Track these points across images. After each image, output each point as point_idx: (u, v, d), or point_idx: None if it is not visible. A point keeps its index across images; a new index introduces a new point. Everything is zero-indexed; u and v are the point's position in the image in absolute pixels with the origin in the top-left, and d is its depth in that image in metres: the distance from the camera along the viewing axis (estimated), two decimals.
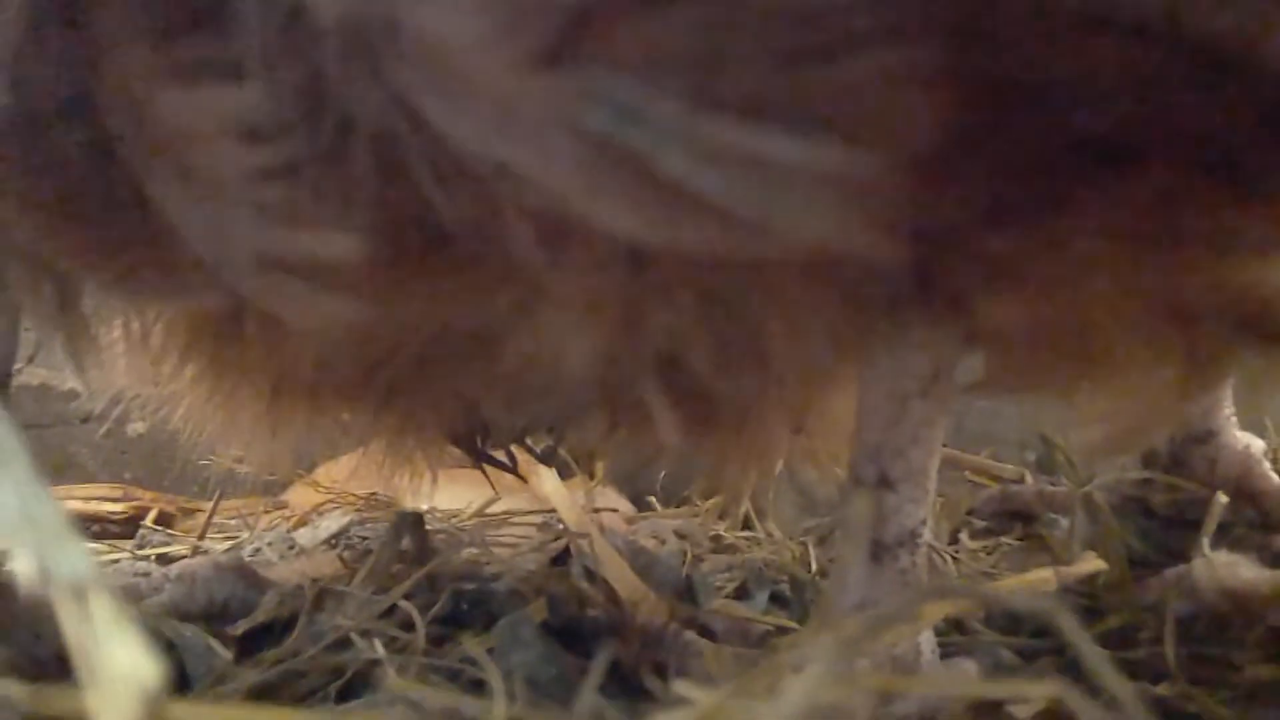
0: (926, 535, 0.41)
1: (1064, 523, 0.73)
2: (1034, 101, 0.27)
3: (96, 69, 0.32)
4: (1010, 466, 0.92)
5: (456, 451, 0.63)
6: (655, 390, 0.46)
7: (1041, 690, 0.22)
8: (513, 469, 0.69)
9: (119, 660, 0.17)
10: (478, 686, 0.47)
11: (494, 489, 0.97)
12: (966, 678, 0.39)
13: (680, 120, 0.24)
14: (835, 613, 0.40)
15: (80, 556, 0.18)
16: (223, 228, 0.32)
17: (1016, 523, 0.83)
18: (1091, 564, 0.56)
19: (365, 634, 0.52)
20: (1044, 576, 0.52)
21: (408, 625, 0.54)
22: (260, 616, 0.58)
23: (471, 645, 0.50)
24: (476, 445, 0.63)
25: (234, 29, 0.29)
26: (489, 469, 0.70)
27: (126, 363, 0.52)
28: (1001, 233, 0.32)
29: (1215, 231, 0.33)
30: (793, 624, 0.64)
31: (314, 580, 0.63)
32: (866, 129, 0.25)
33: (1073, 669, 0.50)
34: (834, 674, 0.23)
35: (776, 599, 0.74)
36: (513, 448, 0.74)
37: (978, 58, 0.25)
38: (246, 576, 0.62)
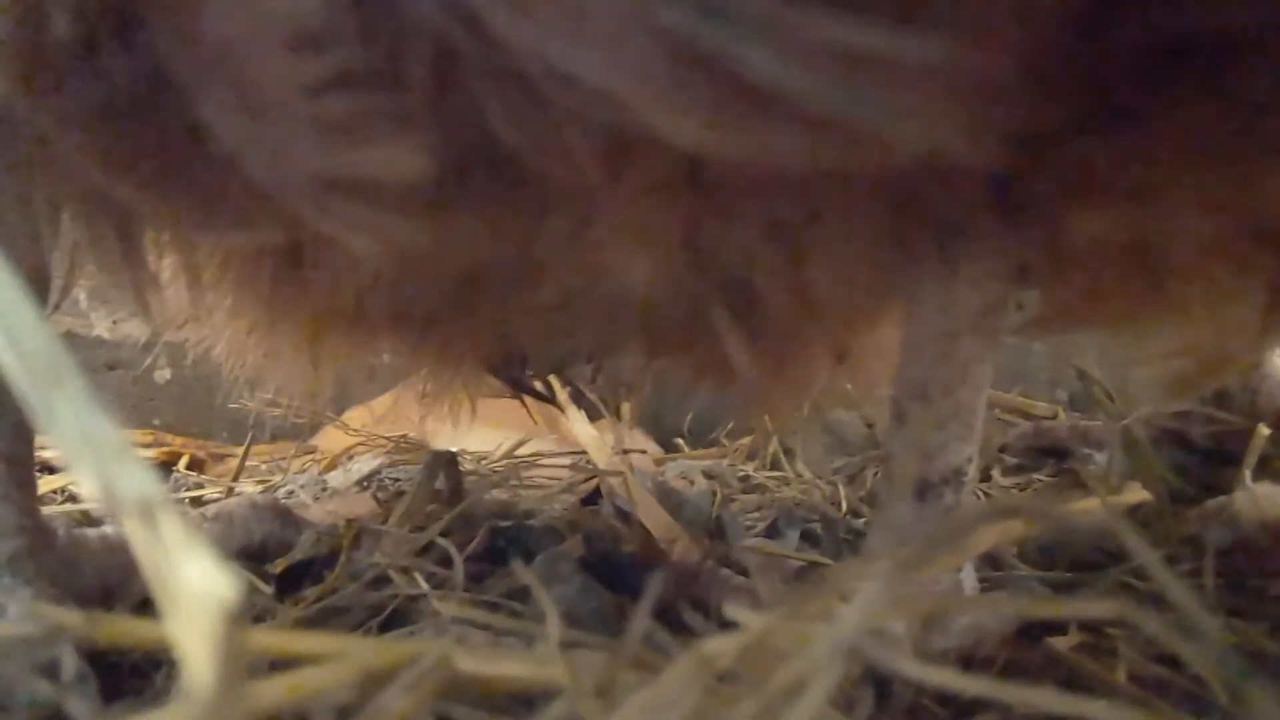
0: (971, 473, 0.40)
1: (1098, 458, 0.73)
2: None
3: None
4: (1043, 404, 0.92)
5: (495, 382, 0.63)
6: (719, 314, 0.46)
7: (1103, 609, 0.22)
8: (550, 399, 0.69)
9: (193, 578, 0.17)
10: (516, 619, 0.47)
11: (525, 428, 0.97)
12: (1022, 601, 0.39)
13: (768, 13, 0.23)
14: (880, 548, 0.39)
15: (145, 476, 0.18)
16: (279, 148, 0.31)
17: (1049, 459, 0.83)
18: (1137, 494, 0.55)
19: (404, 571, 0.53)
20: (1089, 506, 0.51)
21: (445, 562, 0.54)
22: (298, 555, 0.58)
23: (511, 580, 0.50)
24: (514, 375, 0.63)
25: None
26: (527, 401, 0.70)
27: (175, 298, 0.51)
28: (1097, 138, 0.31)
29: None
30: (825, 561, 0.64)
31: (349, 520, 0.63)
32: (975, 22, 0.23)
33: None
34: (890, 598, 0.23)
35: (807, 537, 0.74)
36: (551, 380, 0.74)
37: None
38: (283, 516, 0.63)
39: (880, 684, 0.34)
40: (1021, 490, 0.79)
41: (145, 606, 0.39)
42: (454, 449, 0.82)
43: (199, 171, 0.34)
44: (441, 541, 0.56)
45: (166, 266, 0.49)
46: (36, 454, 0.47)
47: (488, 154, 0.31)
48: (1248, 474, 0.58)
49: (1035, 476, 0.81)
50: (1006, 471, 0.84)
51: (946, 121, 0.25)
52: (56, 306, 0.50)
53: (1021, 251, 0.39)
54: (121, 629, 0.26)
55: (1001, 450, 0.86)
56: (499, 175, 0.33)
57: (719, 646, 0.24)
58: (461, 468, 0.76)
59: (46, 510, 0.53)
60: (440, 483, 0.70)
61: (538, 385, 0.68)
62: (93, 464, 0.18)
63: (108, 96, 0.33)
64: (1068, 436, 0.80)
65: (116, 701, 0.39)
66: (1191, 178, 0.32)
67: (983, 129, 0.26)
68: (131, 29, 0.31)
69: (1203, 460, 0.66)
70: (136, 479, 0.18)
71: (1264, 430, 0.61)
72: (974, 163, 0.28)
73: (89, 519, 0.62)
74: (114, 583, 0.47)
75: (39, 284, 0.46)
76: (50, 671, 0.33)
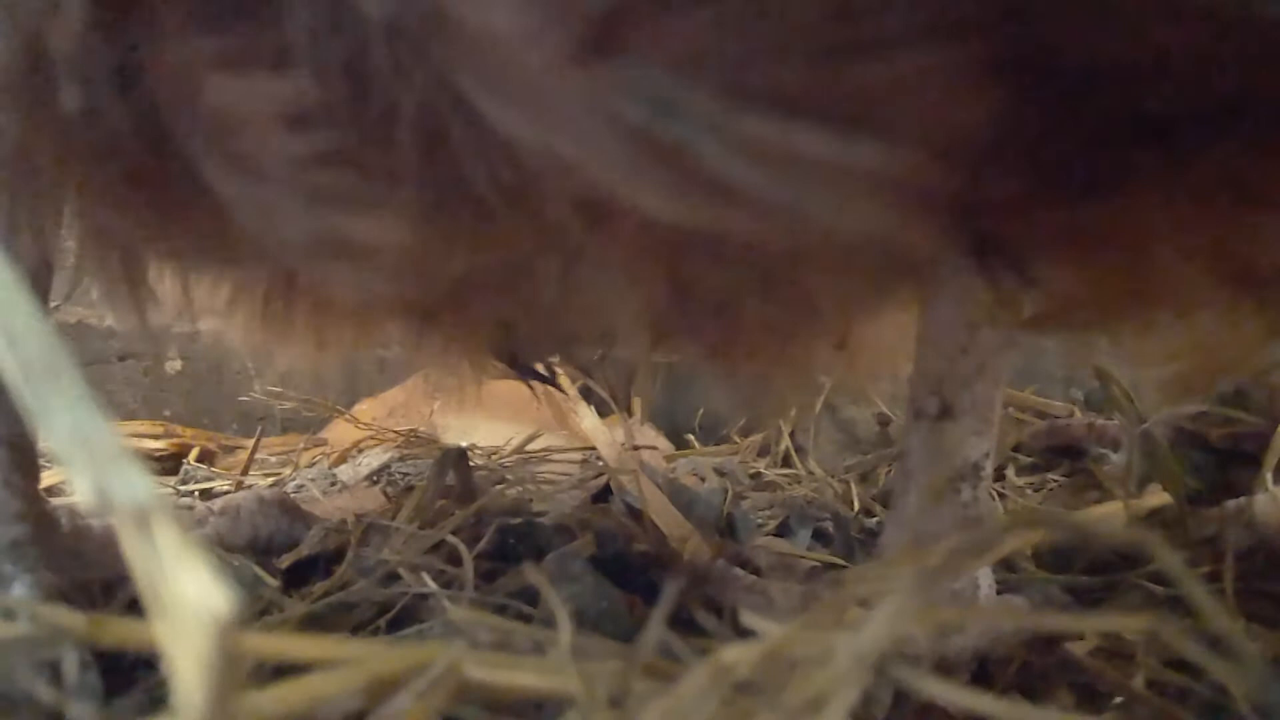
0: (989, 468, 0.40)
1: (1114, 458, 0.72)
2: (1087, 88, 0.26)
3: (149, 55, 0.33)
4: (1058, 403, 0.91)
5: (500, 365, 0.63)
6: (703, 327, 0.46)
7: (1133, 623, 0.21)
8: (553, 381, 0.69)
9: (186, 588, 0.16)
10: (526, 621, 0.46)
11: (535, 423, 0.97)
12: (1047, 615, 0.38)
13: (715, 114, 0.24)
14: (895, 546, 0.39)
15: (140, 481, 0.17)
16: (272, 211, 0.33)
17: (1064, 459, 0.82)
18: (1158, 497, 0.54)
19: (413, 569, 0.52)
20: (1112, 511, 0.51)
21: (455, 560, 0.54)
22: (305, 550, 0.58)
23: (521, 579, 0.49)
24: (518, 359, 0.63)
25: (282, 17, 0.29)
26: (537, 391, 0.70)
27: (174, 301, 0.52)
28: (1055, 209, 0.31)
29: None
30: (838, 560, 0.63)
31: (358, 516, 0.62)
32: (907, 127, 0.25)
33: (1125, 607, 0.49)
34: (914, 606, 0.22)
35: (819, 536, 0.73)
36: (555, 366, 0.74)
37: (1028, 50, 0.25)
38: (290, 511, 0.62)
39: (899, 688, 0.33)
40: (1036, 490, 0.78)
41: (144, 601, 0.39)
42: (464, 444, 0.81)
43: (197, 215, 0.36)
44: (451, 539, 0.55)
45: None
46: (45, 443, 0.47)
47: (474, 212, 0.33)
48: (1269, 476, 0.57)
49: (1050, 476, 0.81)
50: (1021, 471, 0.84)
51: (885, 213, 0.26)
52: (68, 297, 0.50)
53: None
54: (124, 631, 0.25)
55: (1016, 449, 0.85)
56: (486, 227, 0.35)
57: (736, 655, 0.24)
58: (471, 463, 0.76)
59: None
60: (450, 479, 0.69)
61: (540, 369, 0.68)
62: (88, 467, 0.18)
63: (111, 143, 0.34)
64: (1084, 435, 0.79)
65: (119, 697, 0.39)
66: (1163, 234, 0.32)
67: (925, 218, 0.27)
68: (137, 91, 0.33)
69: (1220, 461, 0.65)
70: (132, 483, 0.17)
71: None
72: (922, 247, 0.29)
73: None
74: (116, 574, 0.47)
75: (42, 275, 0.46)
76: (53, 672, 0.32)
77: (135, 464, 0.18)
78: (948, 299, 0.39)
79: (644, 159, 0.25)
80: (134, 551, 0.17)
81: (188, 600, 0.16)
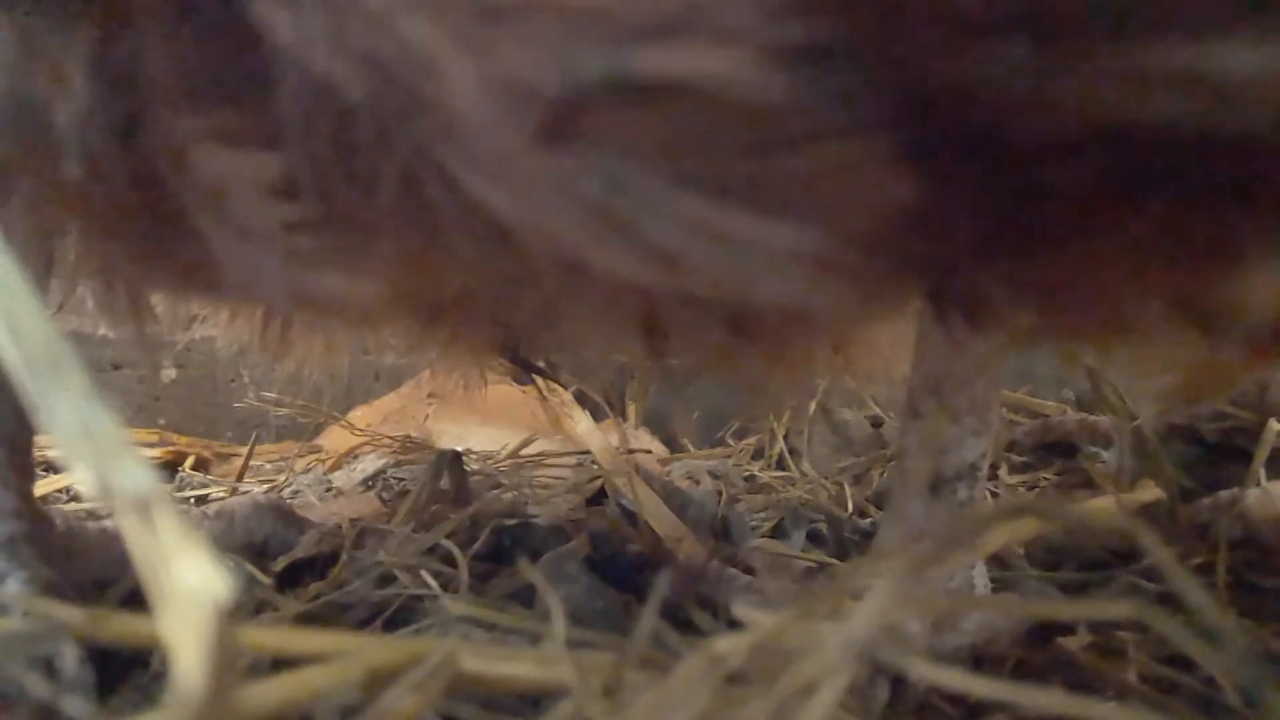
0: (985, 469, 0.40)
1: (1106, 455, 0.72)
2: (1002, 165, 0.28)
3: (147, 124, 0.35)
4: (1050, 404, 0.91)
5: (501, 361, 0.64)
6: (686, 348, 0.48)
7: (1118, 610, 0.21)
8: (553, 376, 0.69)
9: (186, 577, 0.16)
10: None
11: (530, 428, 0.97)
12: (1035, 602, 0.38)
13: (660, 195, 0.26)
14: (893, 545, 0.39)
15: (143, 473, 0.18)
16: (257, 268, 0.35)
17: (1056, 457, 0.82)
18: (1150, 492, 0.55)
19: (408, 570, 0.52)
20: (1103, 505, 0.51)
21: (450, 562, 0.54)
22: (300, 553, 0.58)
23: (516, 580, 0.50)
24: (518, 356, 0.64)
25: (271, 96, 0.31)
26: (532, 398, 0.71)
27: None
28: (993, 269, 0.33)
29: (1221, 250, 0.32)
30: (832, 561, 0.63)
31: (353, 520, 0.62)
32: (826, 211, 0.27)
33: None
34: (901, 597, 0.22)
35: (813, 538, 0.73)
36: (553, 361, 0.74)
37: (935, 143, 0.27)
38: (285, 515, 0.62)
39: (896, 679, 0.34)
40: (1030, 489, 0.78)
41: (137, 599, 0.40)
42: (459, 449, 0.81)
43: (191, 256, 0.38)
44: (446, 542, 0.55)
45: None
46: (41, 453, 0.47)
47: (456, 264, 0.36)
48: (1262, 472, 0.57)
49: (1043, 475, 0.81)
50: (1014, 469, 0.84)
51: (819, 288, 0.28)
52: (62, 306, 0.50)
53: None
54: (122, 626, 0.26)
55: (1010, 447, 0.85)
56: (466, 277, 0.38)
57: (728, 646, 0.24)
58: (466, 468, 0.76)
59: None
60: (445, 483, 0.70)
61: (540, 365, 0.69)
62: (91, 459, 0.18)
63: (109, 192, 0.37)
64: (1077, 431, 0.80)
65: (114, 691, 0.39)
66: (1115, 281, 0.33)
67: (859, 290, 0.30)
68: (135, 150, 0.35)
69: (1212, 456, 0.65)
70: (134, 475, 0.18)
71: (1275, 425, 0.60)
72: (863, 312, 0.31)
73: (93, 519, 0.62)
74: (110, 574, 0.47)
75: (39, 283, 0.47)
76: (49, 668, 0.33)
77: (137, 456, 0.18)
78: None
79: (602, 229, 0.28)
80: (135, 541, 0.17)
81: (188, 588, 0.16)
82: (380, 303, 0.37)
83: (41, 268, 0.47)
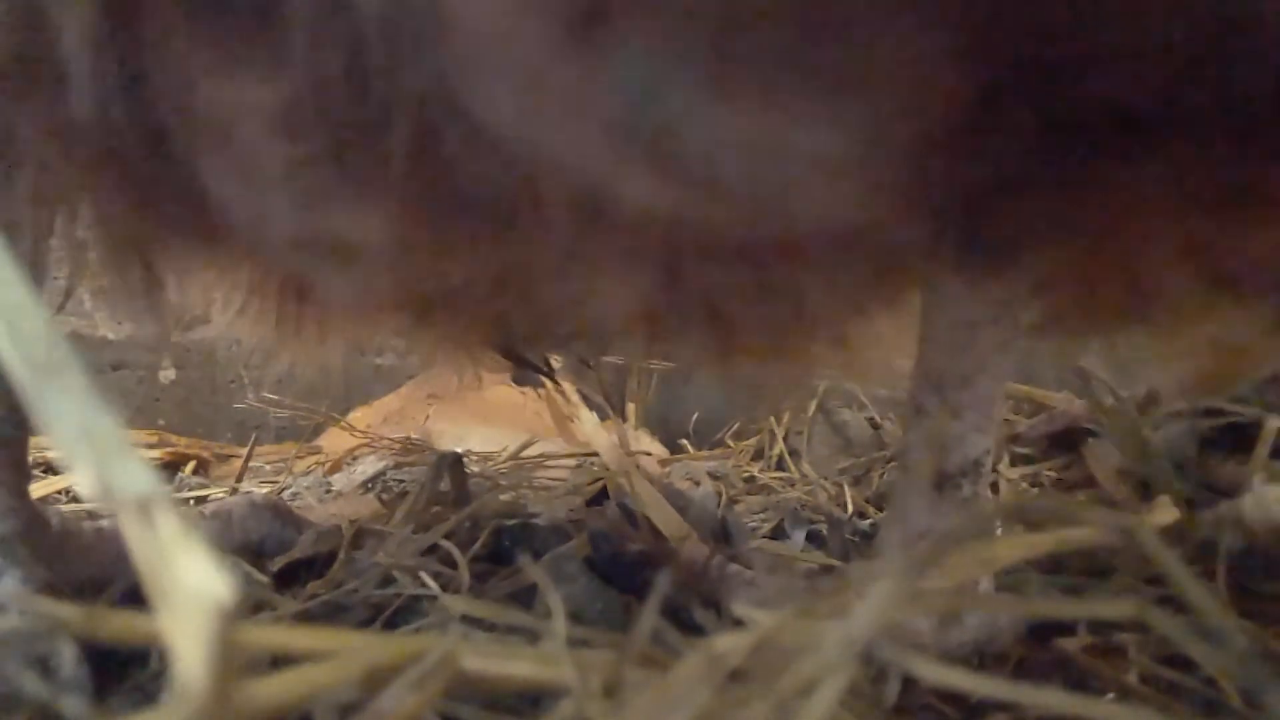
0: (989, 465, 0.40)
1: (1109, 447, 0.71)
2: (1059, 75, 0.27)
3: (148, 62, 0.33)
4: (1056, 394, 0.91)
5: (497, 357, 0.63)
6: (698, 326, 0.46)
7: (1119, 610, 0.21)
8: (551, 375, 0.69)
9: (188, 578, 0.16)
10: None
11: (529, 429, 0.97)
12: (1035, 601, 0.38)
13: (698, 100, 0.25)
14: (895, 543, 0.39)
15: (143, 473, 0.18)
16: (263, 211, 0.34)
17: (1060, 450, 0.82)
18: (1167, 513, 0.54)
19: (407, 571, 0.52)
20: (1105, 512, 0.51)
21: (449, 563, 0.54)
22: (297, 554, 0.58)
23: (517, 581, 0.50)
24: (515, 352, 0.63)
25: (279, 23, 0.30)
26: (535, 399, 0.71)
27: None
28: (1032, 197, 0.32)
29: (1252, 197, 0.32)
30: (832, 562, 0.63)
31: (351, 520, 0.62)
32: (883, 109, 0.25)
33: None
34: (903, 594, 0.22)
35: (813, 538, 0.73)
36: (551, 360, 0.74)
37: (1001, 36, 0.25)
38: (282, 515, 0.62)
39: (905, 679, 0.34)
40: (1033, 485, 0.78)
41: (133, 599, 0.39)
42: (459, 450, 0.81)
43: (195, 216, 0.37)
44: (444, 543, 0.55)
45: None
46: (41, 454, 0.47)
47: (464, 209, 0.33)
48: (1256, 479, 0.57)
49: (1045, 469, 0.81)
50: (1015, 461, 0.83)
51: (864, 199, 0.27)
52: (60, 308, 0.50)
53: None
54: (121, 624, 0.26)
55: (1014, 439, 0.85)
56: (478, 229, 0.36)
57: (729, 644, 0.24)
58: (467, 469, 0.76)
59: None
60: (445, 485, 0.69)
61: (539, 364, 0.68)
62: (91, 459, 0.18)
63: (115, 144, 0.35)
64: (1082, 415, 0.79)
65: (111, 689, 0.39)
66: (1140, 227, 0.33)
67: (904, 202, 0.28)
68: (139, 96, 0.34)
69: (1213, 451, 0.65)
70: (134, 475, 0.18)
71: (1273, 421, 0.60)
72: (902, 232, 0.30)
73: (91, 519, 0.62)
74: (106, 574, 0.47)
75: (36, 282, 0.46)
76: (45, 666, 0.33)
77: (137, 457, 0.18)
78: (948, 296, 0.39)
79: (629, 148, 0.26)
80: (136, 541, 0.17)
81: (189, 588, 0.16)
82: (388, 251, 0.35)
83: (43, 242, 0.46)
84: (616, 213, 0.31)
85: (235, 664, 0.17)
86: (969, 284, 0.39)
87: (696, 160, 0.26)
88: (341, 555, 0.56)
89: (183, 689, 0.17)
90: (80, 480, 0.18)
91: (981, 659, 0.41)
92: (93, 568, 0.47)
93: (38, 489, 0.79)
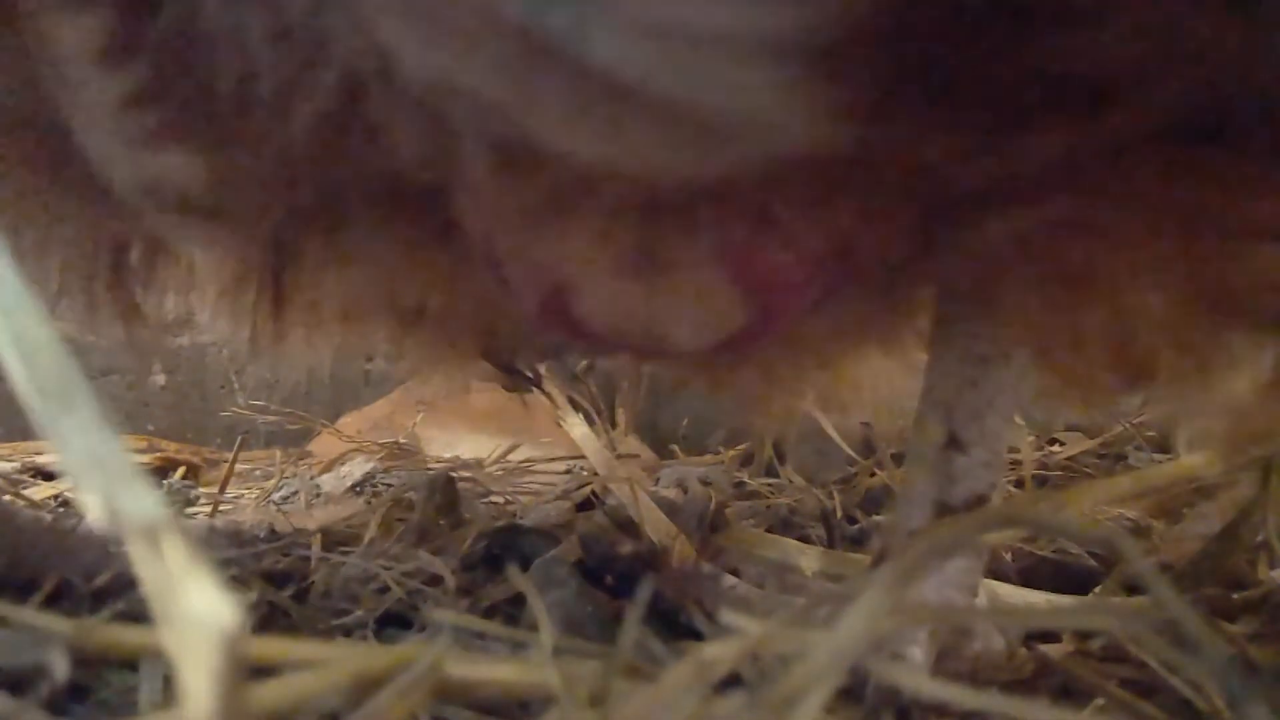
0: (996, 501, 0.39)
1: None
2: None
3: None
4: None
5: (486, 365, 0.63)
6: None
7: (1103, 621, 0.22)
8: (539, 384, 0.69)
9: (195, 601, 0.16)
10: (512, 625, 0.47)
11: (517, 434, 0.97)
12: (1020, 609, 0.39)
13: None
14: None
15: (150, 497, 0.18)
16: (109, 155, 0.33)
17: None
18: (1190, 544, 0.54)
19: (395, 578, 0.52)
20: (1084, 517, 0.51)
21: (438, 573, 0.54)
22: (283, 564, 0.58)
23: (506, 587, 0.50)
24: (504, 361, 0.63)
25: None
26: (526, 403, 0.71)
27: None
28: (961, 135, 0.28)
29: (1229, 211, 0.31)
30: (822, 568, 0.63)
31: (338, 525, 0.62)
32: None
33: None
34: (890, 603, 0.23)
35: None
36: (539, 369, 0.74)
37: None
38: (243, 543, 0.62)
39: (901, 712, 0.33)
40: (1017, 486, 0.79)
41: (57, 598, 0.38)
42: (447, 455, 0.82)
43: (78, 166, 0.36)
44: (427, 555, 0.55)
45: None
46: (33, 461, 0.47)
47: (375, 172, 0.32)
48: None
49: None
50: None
51: (786, 96, 0.24)
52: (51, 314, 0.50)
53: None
54: (113, 637, 0.26)
55: None
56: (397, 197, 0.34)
57: (716, 652, 0.24)
58: (455, 475, 0.76)
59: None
60: (437, 499, 0.70)
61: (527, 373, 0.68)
62: (99, 485, 0.18)
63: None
64: None
65: (77, 703, 0.39)
66: (1128, 261, 0.32)
67: (832, 105, 0.25)
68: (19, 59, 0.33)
69: None
70: (143, 501, 0.18)
71: None
72: (828, 142, 0.26)
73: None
74: (38, 568, 0.46)
75: None
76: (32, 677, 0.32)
77: (145, 480, 0.19)
78: (959, 331, 0.38)
79: (532, 66, 0.24)
80: (145, 567, 0.17)
81: (197, 614, 0.16)
82: (222, 188, 0.34)
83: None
84: (537, 162, 0.29)
85: (242, 691, 0.17)
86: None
87: (601, 65, 0.23)
88: (325, 567, 0.55)
89: (190, 711, 0.17)
90: (88, 505, 0.18)
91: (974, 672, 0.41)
92: (27, 563, 0.46)
93: (33, 495, 0.79)
